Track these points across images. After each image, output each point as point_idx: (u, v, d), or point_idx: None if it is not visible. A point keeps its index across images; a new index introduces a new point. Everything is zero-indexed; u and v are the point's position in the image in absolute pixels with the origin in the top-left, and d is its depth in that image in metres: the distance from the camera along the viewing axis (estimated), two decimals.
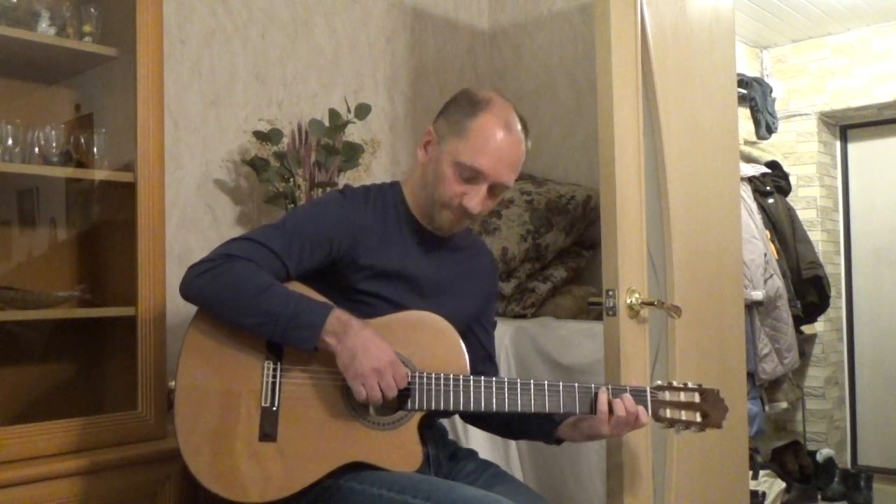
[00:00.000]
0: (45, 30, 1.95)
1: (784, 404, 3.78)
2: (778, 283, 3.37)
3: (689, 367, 2.10)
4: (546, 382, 1.55)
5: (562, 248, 2.88)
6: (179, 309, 1.96)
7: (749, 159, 3.97)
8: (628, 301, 1.87)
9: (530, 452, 2.46)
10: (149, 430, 1.92)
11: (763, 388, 3.48)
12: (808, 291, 3.78)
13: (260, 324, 1.46)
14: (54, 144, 1.97)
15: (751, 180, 3.70)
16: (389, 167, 3.01)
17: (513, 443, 2.46)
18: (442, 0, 3.27)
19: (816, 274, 3.74)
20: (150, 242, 1.93)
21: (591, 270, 2.95)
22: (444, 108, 1.65)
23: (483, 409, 1.52)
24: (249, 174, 2.57)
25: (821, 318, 4.27)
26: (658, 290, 2.08)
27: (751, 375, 3.20)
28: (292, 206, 2.43)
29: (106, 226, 2.11)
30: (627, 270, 1.88)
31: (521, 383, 1.54)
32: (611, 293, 1.85)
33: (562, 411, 1.56)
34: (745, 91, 3.97)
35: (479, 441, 2.34)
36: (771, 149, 4.44)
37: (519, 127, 1.60)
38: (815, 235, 4.46)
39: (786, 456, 3.96)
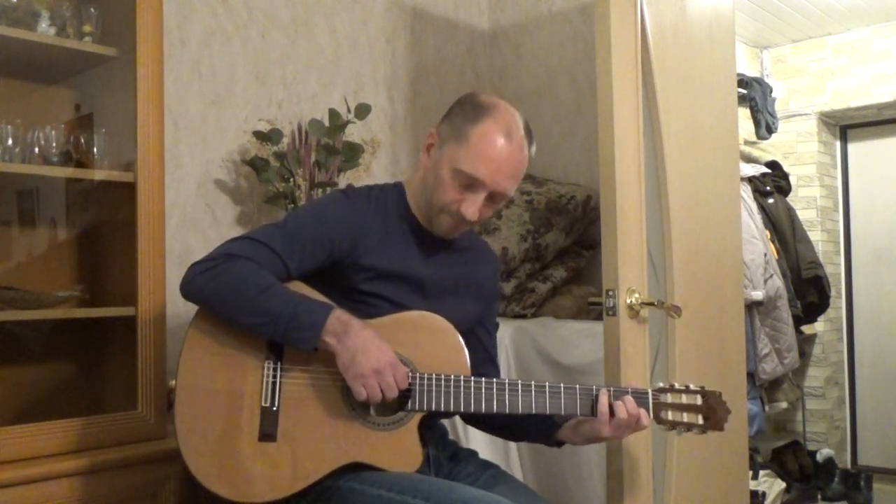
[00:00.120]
0: (45, 30, 1.95)
1: (784, 404, 3.78)
2: (778, 283, 3.38)
3: (689, 367, 2.10)
4: (547, 384, 1.54)
5: (562, 248, 2.88)
6: (179, 309, 1.96)
7: (749, 159, 3.97)
8: (628, 301, 1.87)
9: (530, 453, 2.46)
10: (149, 430, 1.92)
11: (763, 388, 3.49)
12: (808, 291, 3.79)
13: (260, 323, 1.46)
14: (54, 144, 1.96)
15: (751, 180, 3.71)
16: (389, 167, 3.01)
17: (513, 443, 2.46)
18: (442, 0, 3.27)
19: (816, 274, 3.75)
20: (149, 242, 1.93)
21: (591, 270, 2.95)
22: (449, 111, 1.62)
23: (483, 411, 1.52)
24: (249, 174, 2.57)
25: (821, 318, 4.27)
26: (658, 290, 2.08)
27: (751, 375, 3.20)
28: (292, 206, 2.43)
29: (106, 226, 2.11)
30: (627, 270, 1.88)
31: (521, 385, 1.53)
32: (611, 293, 1.85)
33: (562, 413, 1.55)
34: (745, 91, 3.97)
35: (479, 441, 2.34)
36: (771, 149, 4.44)
37: (522, 134, 1.56)
38: (815, 235, 4.46)
39: (786, 456, 3.96)
